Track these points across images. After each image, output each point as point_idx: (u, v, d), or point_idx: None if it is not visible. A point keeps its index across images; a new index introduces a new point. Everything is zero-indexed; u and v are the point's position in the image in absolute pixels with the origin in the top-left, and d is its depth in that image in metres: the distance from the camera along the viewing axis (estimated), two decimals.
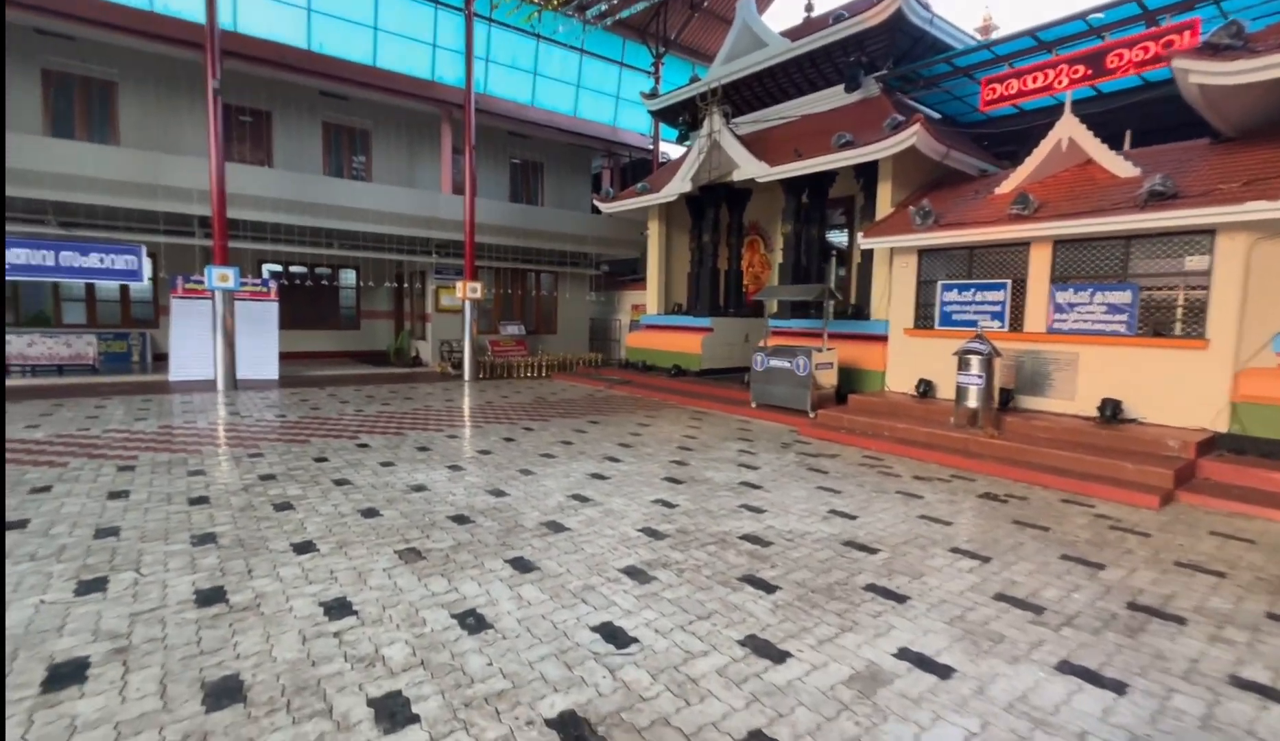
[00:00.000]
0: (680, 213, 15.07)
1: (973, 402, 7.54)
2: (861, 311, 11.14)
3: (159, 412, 9.04)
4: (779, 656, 2.91)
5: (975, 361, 7.48)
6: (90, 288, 14.52)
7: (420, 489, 5.61)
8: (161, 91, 13.76)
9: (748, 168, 11.49)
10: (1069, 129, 8.35)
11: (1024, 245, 8.29)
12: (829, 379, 9.71)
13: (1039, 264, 8.16)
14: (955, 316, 8.96)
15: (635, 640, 3.01)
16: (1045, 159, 8.64)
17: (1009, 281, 8.43)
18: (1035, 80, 8.75)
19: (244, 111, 14.40)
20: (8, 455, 6.44)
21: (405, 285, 17.46)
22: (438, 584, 3.61)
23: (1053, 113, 11.50)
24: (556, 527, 4.68)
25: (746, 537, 4.57)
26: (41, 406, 9.25)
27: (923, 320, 9.46)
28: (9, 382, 11.20)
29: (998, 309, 8.54)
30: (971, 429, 7.65)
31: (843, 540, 4.57)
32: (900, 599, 3.56)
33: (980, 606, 3.51)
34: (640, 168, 19.87)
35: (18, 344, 12.07)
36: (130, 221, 12.33)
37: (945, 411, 8.32)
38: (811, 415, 9.34)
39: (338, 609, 3.26)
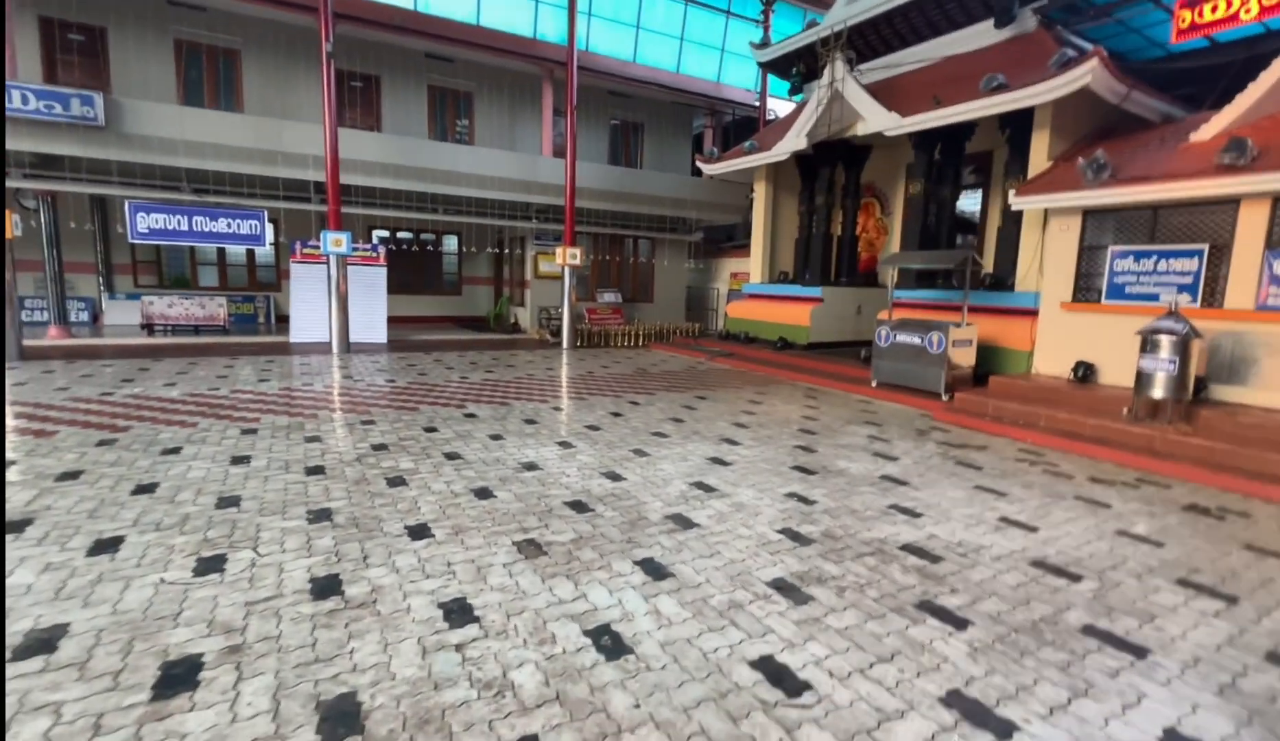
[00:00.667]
0: (789, 174, 13.99)
1: (1159, 392, 6.34)
2: (1002, 282, 9.83)
3: (280, 374, 9.33)
4: (1002, 730, 2.27)
5: (1166, 343, 6.27)
6: (221, 252, 15.41)
7: (532, 468, 5.29)
8: (280, 58, 14.14)
9: (875, 120, 10.32)
10: None
11: (1230, 203, 6.85)
12: (966, 358, 8.62)
13: (1251, 226, 6.71)
14: (1130, 289, 7.63)
15: (808, 686, 2.46)
16: (1265, 96, 7.06)
17: (1205, 247, 7.02)
18: None
19: (354, 76, 14.59)
20: (145, 414, 6.72)
21: (505, 251, 17.47)
22: (564, 588, 3.21)
23: (1252, 46, 9.58)
24: (684, 523, 4.18)
25: (909, 549, 3.89)
26: (179, 365, 9.79)
27: (1085, 293, 8.16)
28: (155, 340, 12.03)
29: (1188, 280, 7.16)
30: (1156, 423, 6.47)
31: (1030, 559, 3.79)
32: (1138, 652, 2.80)
33: (1255, 671, 2.69)
34: (745, 126, 18.73)
35: (159, 305, 12.95)
36: (253, 188, 12.83)
37: (1114, 400, 7.13)
38: (946, 398, 8.34)
39: (458, 613, 2.92)
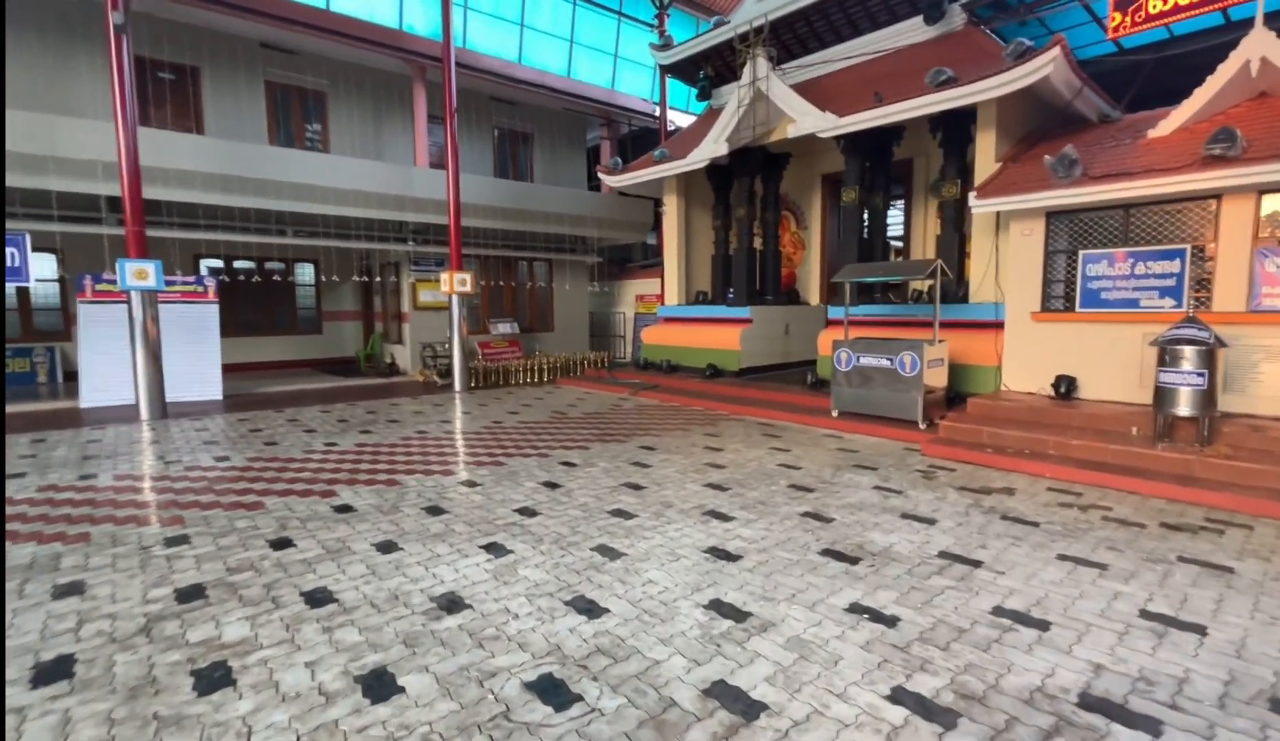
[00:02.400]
0: (701, 187, 12.88)
1: (1186, 409, 5.57)
2: (948, 294, 9.14)
3: (44, 463, 6.48)
4: None
5: (1191, 354, 5.51)
6: None
7: (455, 606, 3.35)
8: (57, 38, 10.88)
9: (807, 121, 9.36)
10: (1261, 47, 6.43)
11: (1211, 199, 6.37)
12: (939, 379, 7.69)
13: (1235, 222, 6.23)
14: (1106, 295, 7.01)
15: None
16: (1219, 92, 6.73)
17: (1187, 247, 6.50)
18: None
19: (163, 66, 11.62)
20: None
21: (376, 279, 14.88)
22: None
23: (1160, 49, 9.68)
24: (738, 704, 2.49)
25: (1089, 704, 2.46)
26: None
27: (1055, 301, 7.50)
28: None
29: (1170, 283, 6.61)
30: (1181, 445, 5.70)
31: (1265, 699, 2.50)
32: None
33: None
34: (644, 139, 17.57)
35: None
36: (12, 205, 9.55)
37: (1114, 418, 6.38)
38: (924, 426, 7.31)
39: None
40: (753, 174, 11.51)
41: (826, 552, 4.08)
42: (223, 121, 12.17)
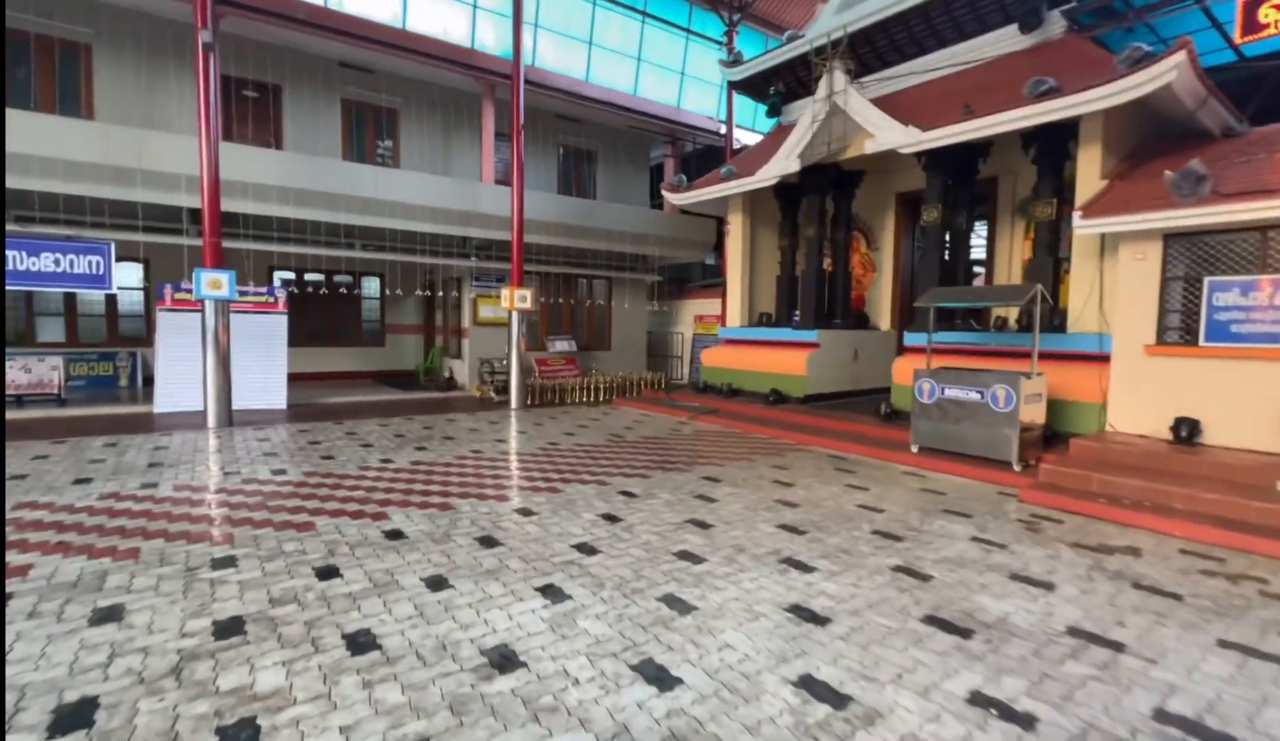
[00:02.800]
0: (767, 206, 12.43)
1: None
2: (1044, 323, 8.34)
3: (111, 468, 6.55)
4: None
5: None
6: (71, 299, 12.24)
7: (507, 660, 2.99)
8: (141, 55, 11.42)
9: (887, 135, 8.82)
10: None
11: None
12: (1038, 415, 6.95)
13: None
14: (1238, 328, 6.17)
15: None
16: None
17: None
18: None
19: (248, 84, 12.07)
20: None
21: (438, 294, 15.00)
22: None
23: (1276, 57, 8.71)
24: None
25: None
26: None
27: (1174, 333, 6.68)
28: None
29: None
30: None
31: None
32: None
33: None
34: (708, 157, 17.28)
35: None
36: (100, 215, 9.97)
37: (1250, 469, 5.56)
38: (1018, 467, 6.58)
39: None
40: (824, 192, 10.99)
41: (931, 620, 3.53)
42: (300, 137, 12.54)
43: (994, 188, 10.46)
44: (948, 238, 9.39)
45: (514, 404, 11.72)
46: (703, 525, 5.10)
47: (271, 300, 10.99)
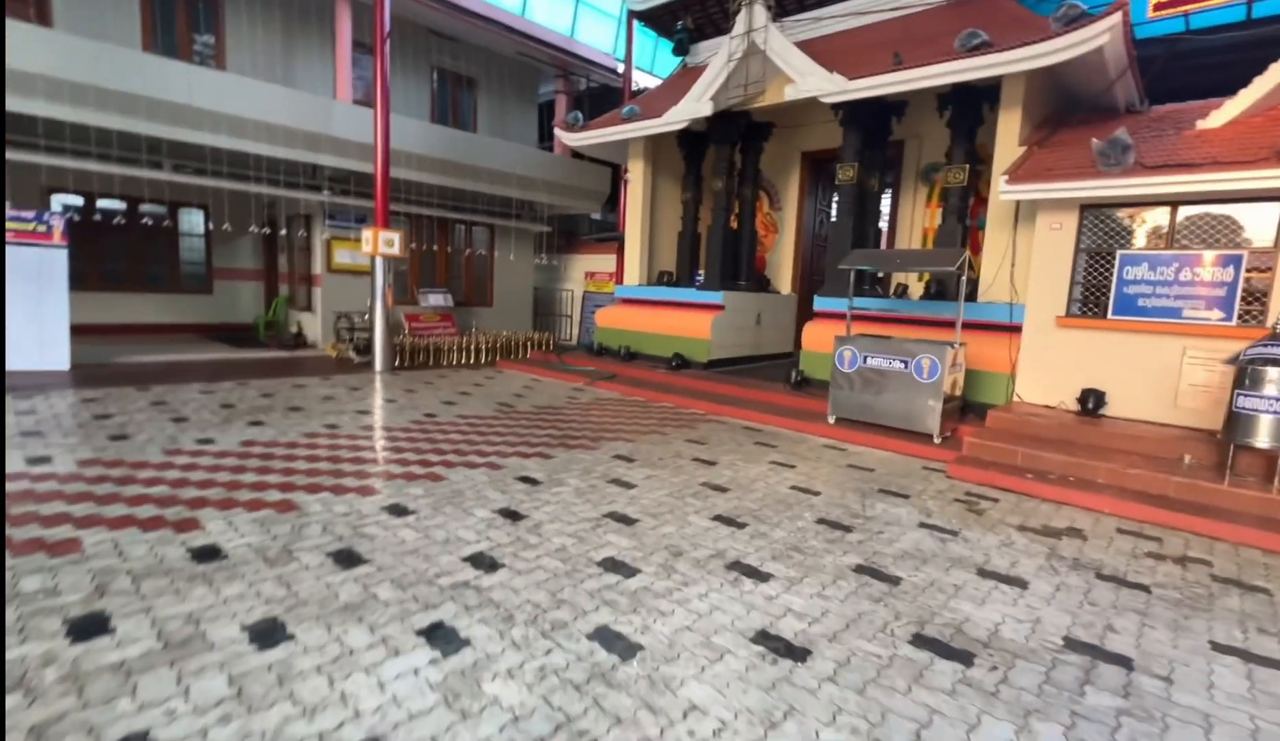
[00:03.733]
0: (668, 155, 11.52)
1: (1266, 440, 4.80)
2: (951, 292, 8.25)
3: None
4: None
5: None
6: None
7: None
8: None
9: (809, 82, 8.17)
10: None
11: (1276, 200, 5.65)
12: (957, 387, 6.74)
13: None
14: (1144, 302, 6.24)
15: None
16: (1276, 87, 6.04)
17: (1244, 253, 5.78)
18: None
19: None
20: None
21: (282, 234, 12.63)
22: None
23: (1174, 43, 9.09)
24: None
25: None
26: None
27: (1084, 306, 6.70)
28: None
29: (1220, 294, 5.88)
30: (1250, 479, 4.94)
31: None
32: None
33: None
34: (603, 98, 15.91)
35: None
36: None
37: (1152, 441, 5.65)
38: (938, 440, 6.35)
39: None
40: (733, 143, 10.25)
41: (921, 642, 2.91)
42: (78, 15, 9.63)
43: (900, 152, 10.27)
44: (861, 199, 9.03)
45: (379, 366, 10.08)
46: (625, 520, 4.21)
47: (43, 230, 8.43)
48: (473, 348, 11.68)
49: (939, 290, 8.33)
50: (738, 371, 9.95)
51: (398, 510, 4.17)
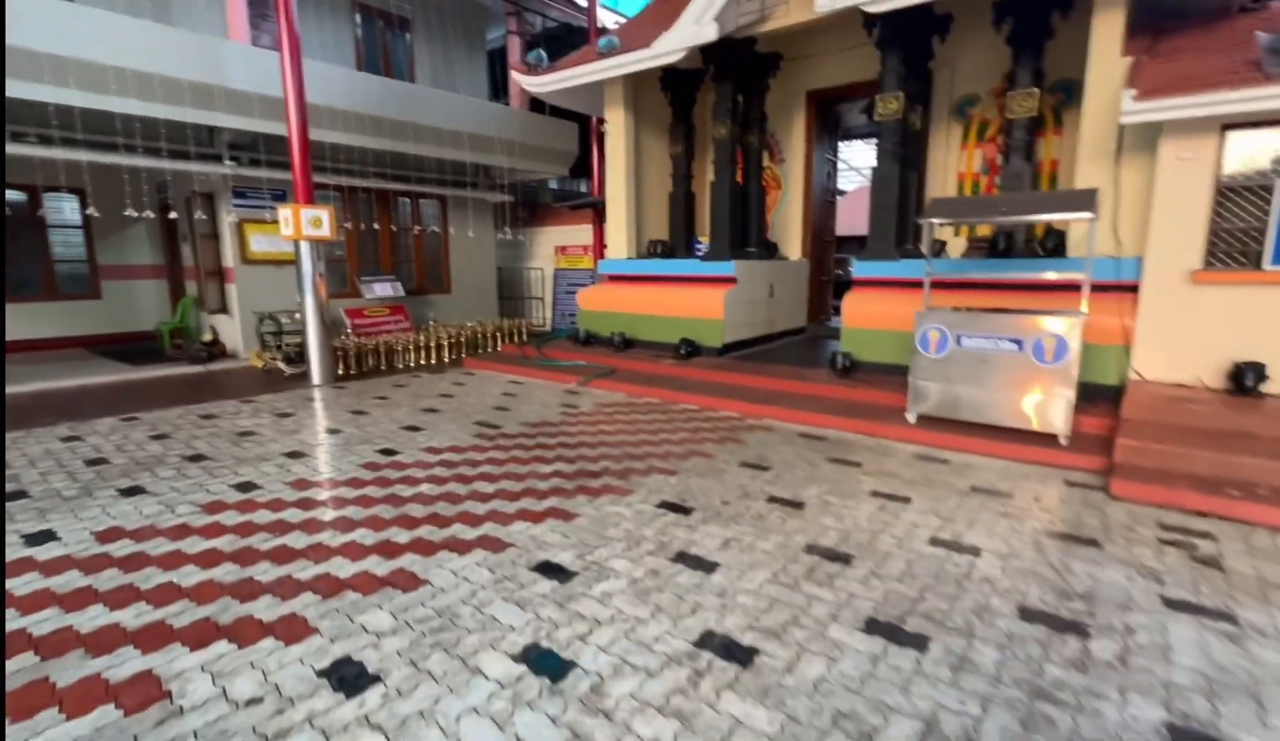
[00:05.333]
0: (650, 102, 9.67)
1: None
2: (1017, 247, 6.77)
3: None
4: None
5: None
6: None
7: None
8: None
9: None
10: None
11: None
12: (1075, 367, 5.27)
13: None
14: None
15: None
16: None
17: None
18: None
19: None
20: None
21: (189, 215, 10.26)
22: None
23: None
24: None
25: None
26: None
27: (1230, 256, 5.28)
28: None
29: None
30: None
31: None
32: None
33: None
34: (562, 43, 13.73)
35: None
36: None
37: None
38: (1065, 441, 4.88)
39: None
40: (736, 79, 8.46)
41: None
42: None
43: (929, 85, 8.69)
44: (903, 135, 7.40)
45: (316, 378, 8.06)
46: (736, 652, 2.54)
47: None
48: (432, 345, 9.72)
49: (1006, 246, 6.82)
50: (757, 356, 8.35)
51: (346, 679, 2.39)
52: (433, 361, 9.69)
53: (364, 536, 3.63)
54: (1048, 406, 4.91)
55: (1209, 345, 5.29)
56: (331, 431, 5.88)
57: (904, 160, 7.31)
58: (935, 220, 5.34)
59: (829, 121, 10.30)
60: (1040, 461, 4.85)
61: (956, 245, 8.42)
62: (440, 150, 10.59)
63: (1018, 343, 4.97)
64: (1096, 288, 5.94)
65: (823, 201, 10.43)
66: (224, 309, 9.94)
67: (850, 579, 3.13)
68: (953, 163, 8.66)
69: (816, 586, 3.06)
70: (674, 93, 9.43)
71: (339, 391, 7.70)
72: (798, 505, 4.07)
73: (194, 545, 3.51)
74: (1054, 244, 6.39)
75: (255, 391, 7.61)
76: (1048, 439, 4.97)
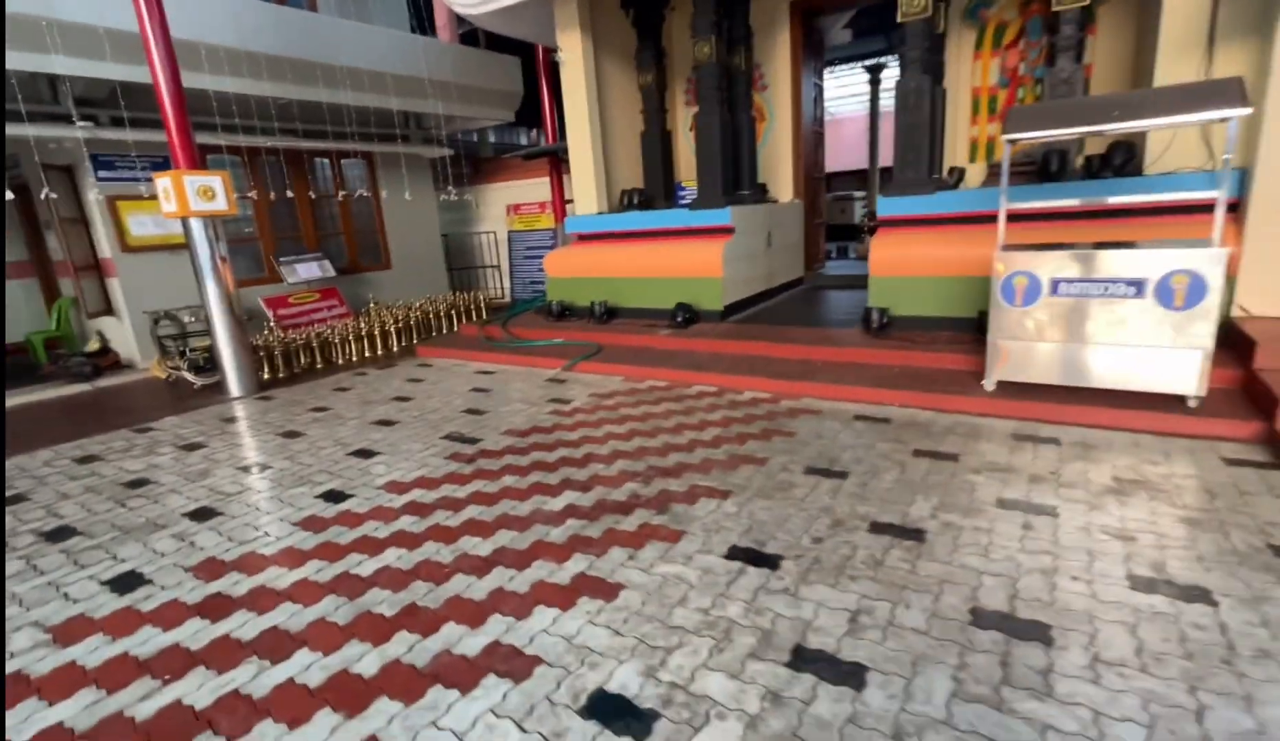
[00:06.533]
0: (611, 24, 8.14)
1: None
2: (1098, 166, 5.73)
3: None
4: None
5: None
6: None
7: None
8: None
9: None
10: None
11: None
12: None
13: None
14: None
15: None
16: None
17: None
18: None
19: None
20: None
21: (46, 198, 8.24)
22: None
23: None
24: None
25: None
26: None
27: None
28: None
29: None
30: None
31: None
32: None
33: None
34: None
35: None
36: None
37: None
38: (1194, 402, 3.94)
39: None
40: None
41: None
42: None
43: None
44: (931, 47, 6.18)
45: (234, 389, 6.50)
46: None
47: None
48: (376, 332, 8.19)
49: (1060, 167, 5.76)
50: (763, 316, 7.22)
51: None
52: (379, 353, 8.18)
53: (306, 666, 2.34)
54: (1178, 362, 3.92)
55: None
56: (256, 468, 4.46)
57: (934, 71, 6.13)
58: (1021, 134, 4.19)
59: (813, 40, 8.98)
60: (1171, 431, 3.90)
61: (978, 174, 7.39)
62: (360, 97, 8.80)
63: (1137, 285, 3.94)
64: (1184, 208, 4.97)
65: (812, 133, 9.19)
66: (109, 310, 8.11)
67: (1071, 674, 2.06)
68: (965, 76, 7.53)
69: (1036, 701, 1.98)
70: (638, 10, 7.95)
71: (265, 404, 6.19)
72: (916, 535, 2.98)
73: (25, 718, 2.16)
74: (1123, 160, 5.37)
75: (155, 413, 6.03)
76: (1170, 401, 4.02)
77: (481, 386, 6.25)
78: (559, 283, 8.21)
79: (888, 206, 6.14)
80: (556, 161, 10.08)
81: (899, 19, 5.94)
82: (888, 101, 19.49)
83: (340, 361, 7.83)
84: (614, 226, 7.97)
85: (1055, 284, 4.16)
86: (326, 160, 9.62)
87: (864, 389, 4.92)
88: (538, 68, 10.05)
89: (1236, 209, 4.82)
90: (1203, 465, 3.48)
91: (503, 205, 11.48)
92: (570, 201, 9.02)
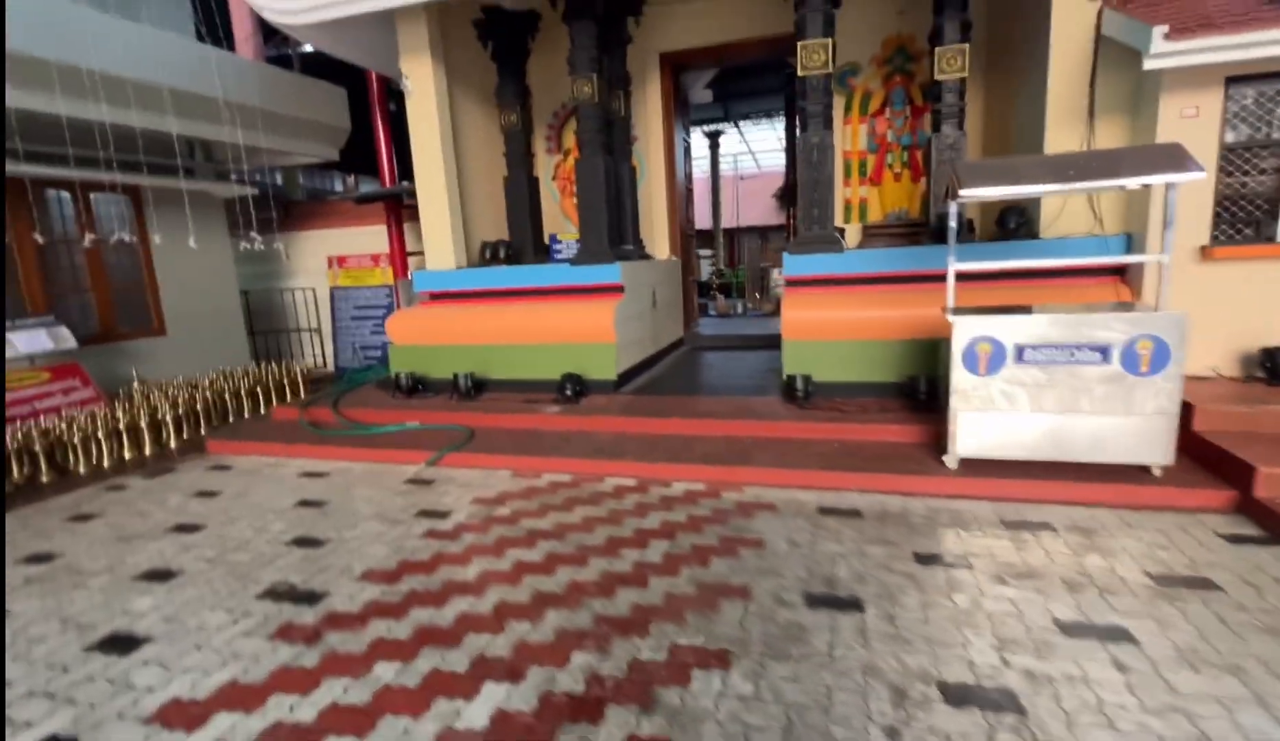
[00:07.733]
0: (466, 55, 7.11)
1: None
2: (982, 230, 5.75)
3: None
4: None
5: None
6: None
7: None
8: None
9: None
10: None
11: None
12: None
13: None
14: None
15: None
16: None
17: None
18: None
19: None
20: None
21: None
22: None
23: None
24: None
25: None
26: None
27: (1240, 229, 4.65)
28: None
29: None
30: None
31: None
32: None
33: None
34: None
35: None
36: None
37: None
38: (1159, 471, 3.74)
39: None
40: (596, 19, 6.30)
41: None
42: None
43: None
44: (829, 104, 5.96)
45: None
46: None
47: None
48: (141, 423, 5.96)
49: (939, 229, 5.75)
50: (657, 385, 6.39)
51: None
52: (147, 452, 5.93)
53: None
54: (1146, 430, 3.70)
55: (1225, 330, 4.62)
56: None
57: (831, 126, 5.91)
58: (973, 192, 3.84)
59: (679, 94, 8.70)
60: (1147, 504, 3.63)
61: (855, 235, 7.38)
62: (122, 114, 6.66)
63: (1102, 350, 3.68)
64: (1074, 272, 5.07)
65: (684, 189, 8.80)
66: None
67: None
68: (837, 139, 7.58)
69: None
70: (498, 41, 7.02)
71: None
72: (1009, 701, 2.17)
73: None
74: (1017, 223, 5.44)
75: None
76: (1134, 472, 3.78)
77: (311, 498, 4.55)
78: (406, 350, 6.67)
79: (796, 265, 5.69)
80: (397, 206, 8.57)
81: (799, 73, 5.64)
82: (726, 165, 20.60)
83: (83, 471, 5.50)
84: (478, 283, 6.70)
85: (1020, 350, 3.81)
86: (66, 193, 7.16)
87: (812, 472, 4.21)
88: (372, 100, 8.59)
89: (1123, 272, 4.99)
90: (1211, 548, 3.16)
91: (323, 256, 9.53)
92: (416, 254, 7.58)
